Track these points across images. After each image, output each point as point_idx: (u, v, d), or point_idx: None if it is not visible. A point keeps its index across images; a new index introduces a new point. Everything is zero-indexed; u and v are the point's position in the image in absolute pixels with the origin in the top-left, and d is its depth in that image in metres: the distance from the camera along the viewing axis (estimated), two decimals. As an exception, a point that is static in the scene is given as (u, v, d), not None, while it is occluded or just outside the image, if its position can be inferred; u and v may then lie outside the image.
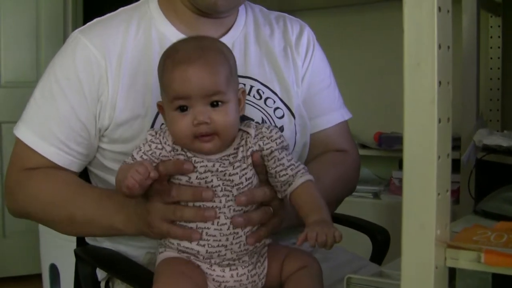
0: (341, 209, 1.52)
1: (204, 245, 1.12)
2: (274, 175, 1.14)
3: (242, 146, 1.15)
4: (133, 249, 1.35)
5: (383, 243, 1.58)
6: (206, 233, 1.12)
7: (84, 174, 1.42)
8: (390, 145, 2.81)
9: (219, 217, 1.11)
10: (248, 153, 1.14)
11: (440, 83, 0.71)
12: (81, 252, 1.41)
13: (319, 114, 1.48)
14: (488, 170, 2.14)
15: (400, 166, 2.84)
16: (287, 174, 1.13)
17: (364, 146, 2.85)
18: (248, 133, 1.16)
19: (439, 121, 0.71)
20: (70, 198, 1.30)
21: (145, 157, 1.13)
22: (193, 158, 1.12)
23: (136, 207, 1.21)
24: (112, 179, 1.30)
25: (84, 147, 1.32)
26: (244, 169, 1.13)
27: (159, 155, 1.14)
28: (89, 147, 1.33)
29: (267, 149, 1.15)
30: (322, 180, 1.35)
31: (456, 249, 0.74)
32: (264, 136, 1.16)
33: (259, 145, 1.15)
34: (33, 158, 1.32)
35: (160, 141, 1.14)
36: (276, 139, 1.16)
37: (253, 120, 1.30)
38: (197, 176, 1.11)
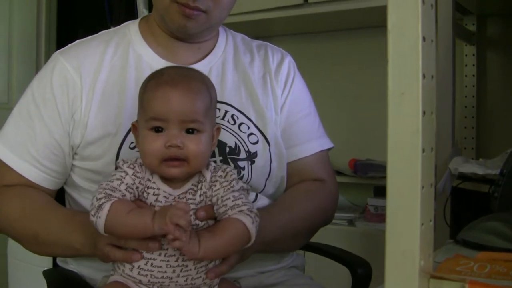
0: (316, 237, 1.49)
1: (146, 275, 1.09)
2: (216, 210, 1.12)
3: (200, 189, 1.13)
4: (94, 272, 1.35)
5: (364, 277, 1.50)
6: (151, 264, 1.09)
7: (61, 197, 1.43)
8: (365, 172, 2.80)
9: (167, 249, 1.09)
10: (203, 198, 1.13)
11: (424, 112, 0.71)
12: (47, 275, 1.42)
13: (297, 143, 1.47)
14: (463, 198, 2.14)
15: (375, 193, 2.83)
16: (226, 214, 1.10)
17: (339, 173, 2.84)
18: (204, 176, 1.14)
19: (423, 150, 0.71)
20: (35, 216, 1.31)
21: (130, 190, 1.10)
22: (156, 197, 1.11)
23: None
24: (80, 199, 1.34)
25: (58, 165, 1.34)
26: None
27: (141, 191, 1.12)
28: (63, 165, 1.35)
29: (214, 195, 1.13)
30: (296, 209, 1.36)
31: (439, 280, 0.74)
32: (217, 181, 1.14)
33: (211, 190, 1.13)
34: (7, 174, 1.34)
35: (143, 176, 1.12)
36: (225, 185, 1.13)
37: (226, 144, 1.33)
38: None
